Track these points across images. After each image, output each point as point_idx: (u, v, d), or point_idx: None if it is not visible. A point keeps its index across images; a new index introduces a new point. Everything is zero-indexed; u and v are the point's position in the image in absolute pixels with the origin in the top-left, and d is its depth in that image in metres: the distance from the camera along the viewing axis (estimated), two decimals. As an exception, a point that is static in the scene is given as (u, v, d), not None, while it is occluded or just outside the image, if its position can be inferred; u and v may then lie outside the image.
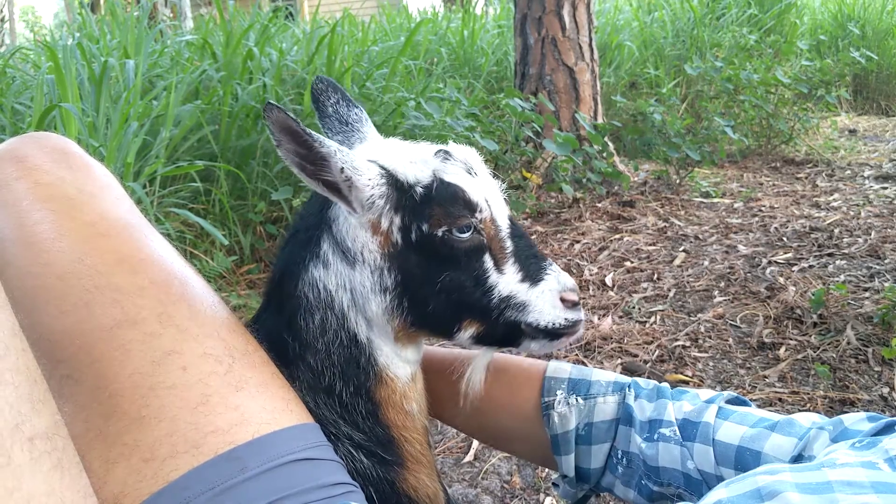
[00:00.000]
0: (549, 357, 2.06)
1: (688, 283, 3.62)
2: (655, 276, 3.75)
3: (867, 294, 3.25)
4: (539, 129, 5.06)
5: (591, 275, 3.79)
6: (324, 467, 0.99)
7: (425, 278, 1.13)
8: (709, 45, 7.80)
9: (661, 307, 3.37)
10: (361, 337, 1.15)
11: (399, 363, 1.19)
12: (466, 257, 1.13)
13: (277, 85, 4.60)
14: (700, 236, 4.34)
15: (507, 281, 1.15)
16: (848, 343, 2.83)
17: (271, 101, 1.06)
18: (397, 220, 1.12)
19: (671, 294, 3.50)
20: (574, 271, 3.86)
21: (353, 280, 1.14)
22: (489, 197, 1.15)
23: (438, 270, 1.13)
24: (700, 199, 5.14)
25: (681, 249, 4.12)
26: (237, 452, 0.92)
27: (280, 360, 1.15)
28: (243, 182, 4.16)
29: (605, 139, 5.14)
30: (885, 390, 2.55)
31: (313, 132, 1.07)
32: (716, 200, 5.10)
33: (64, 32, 7.26)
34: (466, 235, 1.11)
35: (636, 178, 5.58)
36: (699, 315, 3.25)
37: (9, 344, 0.73)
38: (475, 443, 2.45)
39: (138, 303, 1.00)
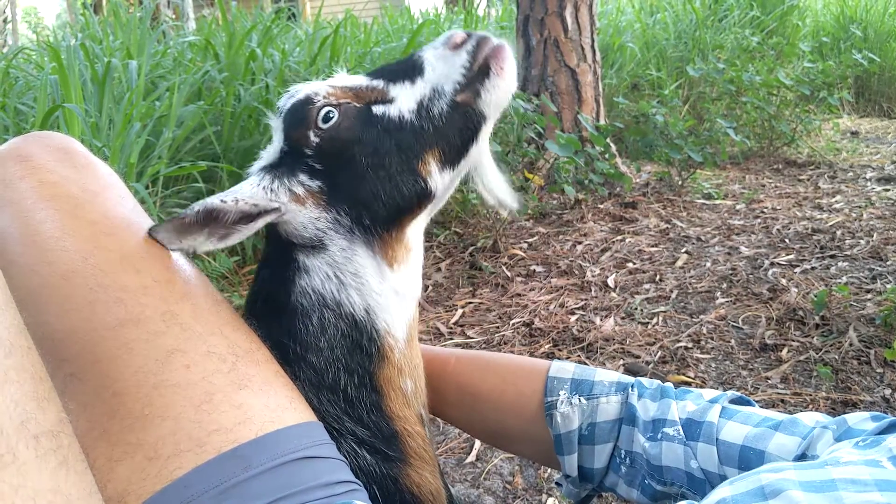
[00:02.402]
0: (552, 357, 2.06)
1: (690, 284, 3.62)
2: (657, 277, 3.75)
3: (869, 296, 3.25)
4: (541, 131, 5.06)
5: (593, 276, 3.79)
6: (327, 465, 0.99)
7: (357, 178, 1.09)
8: (711, 46, 7.79)
9: (663, 308, 3.37)
10: (360, 314, 1.15)
11: (398, 307, 1.16)
12: (358, 128, 1.08)
13: (280, 86, 4.60)
14: (702, 238, 4.34)
15: (403, 98, 1.09)
16: (850, 344, 2.83)
17: (151, 228, 1.09)
18: (302, 176, 1.12)
19: (673, 295, 3.50)
20: (576, 272, 3.86)
21: (331, 260, 1.14)
22: (327, 81, 1.13)
23: (357, 161, 1.09)
24: (702, 201, 5.14)
25: (683, 251, 4.12)
26: (241, 451, 0.92)
27: (279, 361, 1.15)
28: (246, 183, 4.16)
29: (608, 140, 5.14)
30: (888, 392, 2.55)
31: (193, 207, 1.09)
32: (718, 202, 5.10)
33: (67, 33, 7.27)
34: (335, 118, 1.08)
35: (638, 180, 5.58)
36: (701, 316, 3.25)
37: (14, 342, 0.73)
38: (477, 443, 2.45)
39: (142, 301, 1.00)
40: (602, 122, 5.58)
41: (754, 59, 7.17)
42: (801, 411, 1.18)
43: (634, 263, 3.97)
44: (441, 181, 1.11)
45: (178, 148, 4.03)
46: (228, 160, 4.14)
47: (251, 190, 1.13)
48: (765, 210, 4.81)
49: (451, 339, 3.22)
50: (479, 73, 1.06)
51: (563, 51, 5.45)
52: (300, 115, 1.10)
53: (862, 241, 3.98)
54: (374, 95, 1.10)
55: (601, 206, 4.96)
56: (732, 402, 1.16)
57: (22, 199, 1.09)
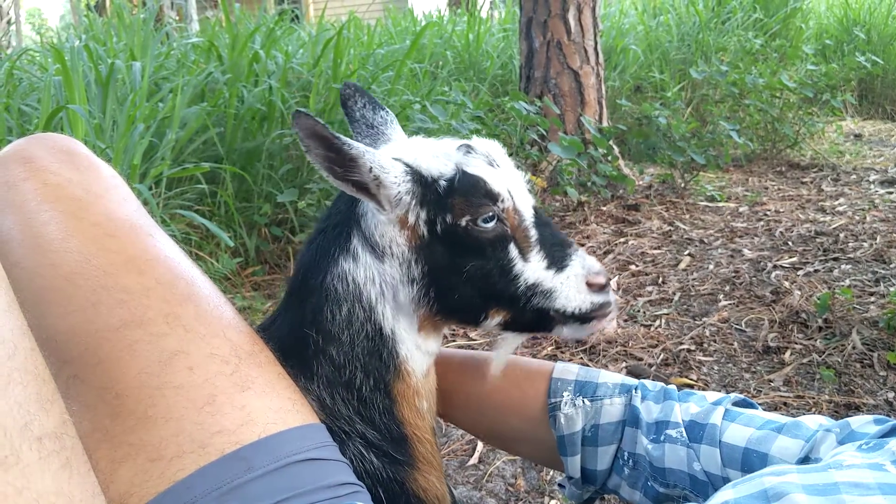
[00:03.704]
0: (556, 357, 2.06)
1: (693, 286, 3.61)
2: (660, 279, 3.74)
3: (873, 298, 3.25)
4: (544, 133, 5.06)
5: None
6: (330, 467, 0.99)
7: (452, 268, 1.16)
8: (714, 49, 7.79)
9: (665, 311, 3.36)
10: (387, 329, 1.18)
11: (418, 356, 1.22)
12: (491, 247, 1.15)
13: (283, 87, 4.60)
14: (705, 240, 4.33)
15: (532, 269, 1.16)
16: (853, 347, 2.83)
17: (300, 109, 1.11)
18: (423, 215, 1.15)
19: (676, 298, 3.49)
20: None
21: (381, 273, 1.17)
22: (511, 187, 1.18)
23: (464, 260, 1.15)
24: (705, 203, 5.14)
25: (686, 253, 4.11)
26: (243, 452, 0.92)
27: (298, 356, 1.16)
28: (249, 184, 4.17)
29: (610, 142, 5.14)
30: (891, 395, 2.54)
31: (341, 136, 1.10)
32: (721, 204, 5.09)
33: (70, 34, 7.29)
34: (490, 226, 1.14)
35: (641, 182, 5.58)
36: (704, 319, 3.25)
37: (17, 344, 0.73)
38: (480, 445, 2.45)
39: (145, 303, 1.00)
40: (605, 124, 5.58)
41: (757, 62, 7.16)
42: (804, 414, 1.18)
43: (637, 265, 3.97)
44: (491, 327, 1.23)
45: (182, 149, 4.03)
46: (231, 161, 4.14)
47: (391, 181, 1.14)
48: (768, 212, 4.81)
49: (454, 340, 3.22)
50: (577, 317, 1.17)
51: (566, 53, 5.44)
52: (474, 199, 1.14)
53: (865, 244, 3.97)
54: (522, 239, 1.18)
55: (604, 209, 4.95)
56: (736, 404, 1.16)
57: (25, 200, 1.09)
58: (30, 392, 0.71)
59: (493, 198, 1.14)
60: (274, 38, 5.48)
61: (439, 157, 1.18)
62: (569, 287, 1.16)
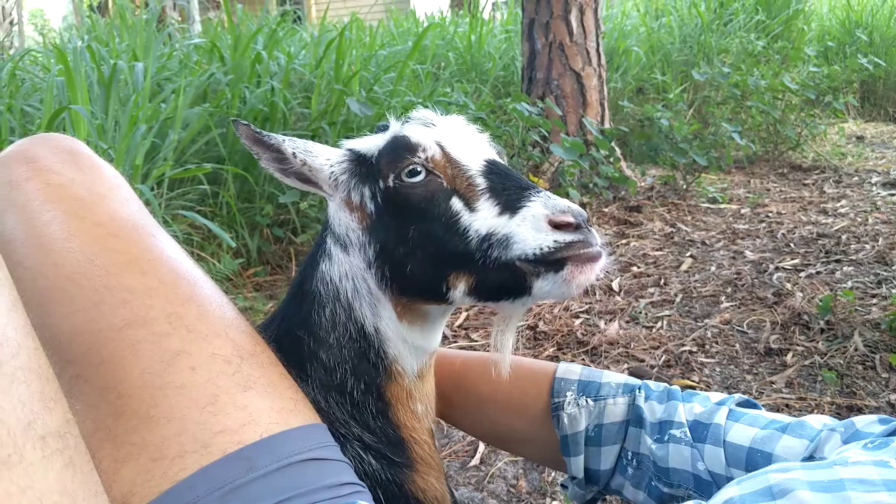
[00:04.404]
0: (558, 359, 2.06)
1: (695, 288, 3.61)
2: (662, 281, 3.74)
3: (875, 300, 3.24)
4: (546, 134, 5.07)
5: (597, 279, 3.77)
6: (332, 467, 0.99)
7: (398, 239, 1.09)
8: (716, 50, 7.79)
9: (667, 312, 3.36)
10: (369, 328, 1.15)
11: (406, 353, 1.17)
12: (428, 203, 1.07)
13: (285, 88, 4.61)
14: (707, 242, 4.33)
15: (482, 217, 1.04)
16: (855, 349, 2.82)
17: (236, 119, 1.14)
18: (367, 192, 1.13)
19: (678, 299, 3.49)
20: (580, 276, 3.85)
21: (350, 266, 1.15)
22: (442, 139, 1.11)
23: (406, 226, 1.08)
24: (707, 205, 5.13)
25: (688, 255, 4.11)
26: (245, 452, 0.92)
27: (295, 358, 1.16)
28: (251, 185, 4.17)
29: (612, 144, 5.14)
30: (893, 397, 2.54)
31: (267, 132, 1.14)
32: (723, 206, 5.09)
33: (73, 35, 7.29)
34: (417, 179, 1.07)
35: (643, 183, 5.58)
36: (706, 320, 3.25)
37: (21, 343, 0.73)
38: (481, 446, 2.45)
39: (147, 303, 1.00)
40: (607, 125, 5.58)
41: (759, 64, 7.16)
42: (807, 415, 1.17)
43: (639, 267, 3.96)
44: (460, 299, 1.09)
45: (184, 150, 4.04)
46: (233, 162, 4.14)
47: (321, 163, 1.15)
48: (770, 214, 4.81)
49: (455, 342, 3.21)
50: (551, 263, 1.00)
51: (568, 54, 5.45)
52: (394, 155, 1.09)
53: (867, 246, 3.97)
54: (465, 189, 1.07)
55: (606, 210, 4.95)
56: (740, 404, 1.16)
57: (28, 200, 1.09)
58: (33, 391, 0.71)
59: (411, 150, 1.08)
60: (276, 39, 5.48)
61: (382, 136, 1.17)
62: (525, 228, 1.00)
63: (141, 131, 3.49)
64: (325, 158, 1.15)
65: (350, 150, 1.17)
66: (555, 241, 0.99)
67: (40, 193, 1.10)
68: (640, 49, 7.80)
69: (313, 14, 16.21)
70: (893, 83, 8.80)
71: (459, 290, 1.07)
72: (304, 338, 1.17)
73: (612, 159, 5.11)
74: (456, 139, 1.12)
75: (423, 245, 1.07)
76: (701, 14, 8.20)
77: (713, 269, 3.85)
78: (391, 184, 1.08)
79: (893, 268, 3.63)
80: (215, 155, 4.24)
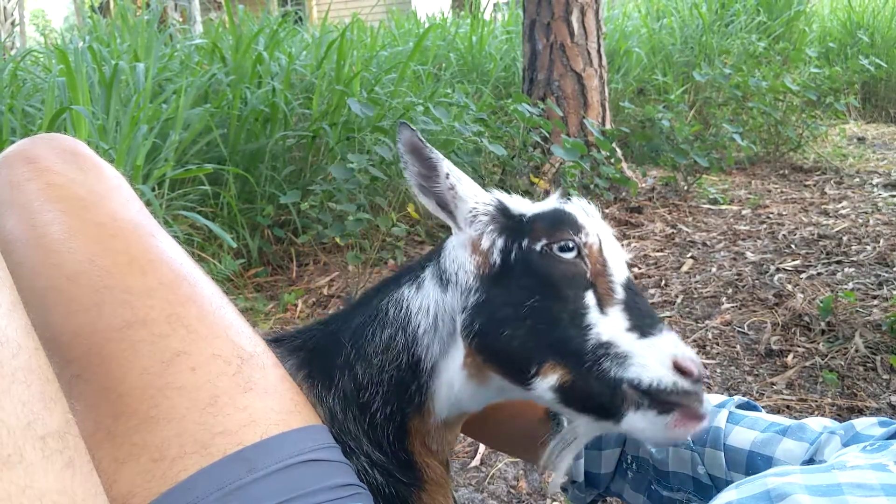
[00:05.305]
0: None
1: (695, 289, 3.61)
2: (663, 282, 3.74)
3: (875, 302, 3.24)
4: (547, 135, 5.07)
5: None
6: (332, 469, 0.99)
7: (511, 300, 1.03)
8: (717, 51, 7.79)
9: (668, 313, 3.36)
10: (426, 363, 1.11)
11: (446, 399, 1.12)
12: (565, 282, 1.01)
13: (286, 89, 4.61)
14: (708, 243, 4.33)
15: (609, 324, 0.98)
16: (856, 351, 2.82)
17: (405, 122, 1.11)
18: (500, 242, 1.08)
19: (679, 300, 3.49)
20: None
21: (440, 303, 1.11)
22: (601, 233, 1.07)
23: (530, 293, 1.02)
24: (708, 206, 5.13)
25: (688, 256, 4.11)
26: (245, 453, 0.92)
27: (324, 363, 1.15)
28: (252, 185, 4.18)
29: (613, 145, 5.14)
30: (894, 398, 2.54)
31: (429, 145, 1.11)
32: (724, 207, 5.09)
33: (74, 36, 7.30)
34: (568, 256, 1.02)
35: (644, 184, 5.58)
36: (707, 321, 3.25)
37: (21, 343, 0.73)
38: (482, 447, 2.44)
39: (148, 303, 1.00)
40: (608, 126, 5.58)
41: (761, 65, 7.16)
42: (807, 417, 1.17)
43: (640, 268, 3.96)
44: (543, 391, 1.00)
45: (185, 150, 4.04)
46: (234, 163, 4.15)
47: (467, 195, 1.13)
48: (771, 215, 4.80)
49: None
50: (659, 402, 0.94)
51: (570, 55, 5.45)
52: (556, 224, 1.05)
53: (868, 247, 3.97)
54: (604, 290, 1.02)
55: (607, 211, 4.95)
56: (740, 407, 1.15)
57: (29, 200, 1.09)
58: (33, 391, 0.71)
59: (575, 228, 1.04)
60: (277, 40, 5.49)
61: (526, 203, 1.15)
62: (650, 355, 0.95)
63: (142, 132, 3.49)
64: (473, 193, 1.13)
65: (500, 199, 1.15)
66: (675, 383, 0.93)
67: (41, 194, 1.10)
68: (641, 50, 7.80)
69: (314, 15, 16.22)
70: (895, 84, 8.80)
71: (548, 381, 0.99)
72: (347, 347, 1.15)
73: (613, 160, 5.11)
74: (610, 240, 1.09)
75: (536, 319, 1.01)
76: (702, 15, 8.20)
77: (714, 270, 3.85)
78: (539, 247, 1.04)
79: (894, 269, 3.63)
80: (216, 155, 4.24)
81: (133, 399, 0.93)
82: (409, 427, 1.15)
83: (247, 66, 4.76)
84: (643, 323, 0.98)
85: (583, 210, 1.11)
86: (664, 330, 0.98)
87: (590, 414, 0.99)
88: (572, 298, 1.01)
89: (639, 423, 0.94)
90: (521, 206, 1.14)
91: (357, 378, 1.14)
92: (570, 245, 1.03)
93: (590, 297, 1.01)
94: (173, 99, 4.18)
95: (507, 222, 1.10)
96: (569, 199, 1.13)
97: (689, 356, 0.95)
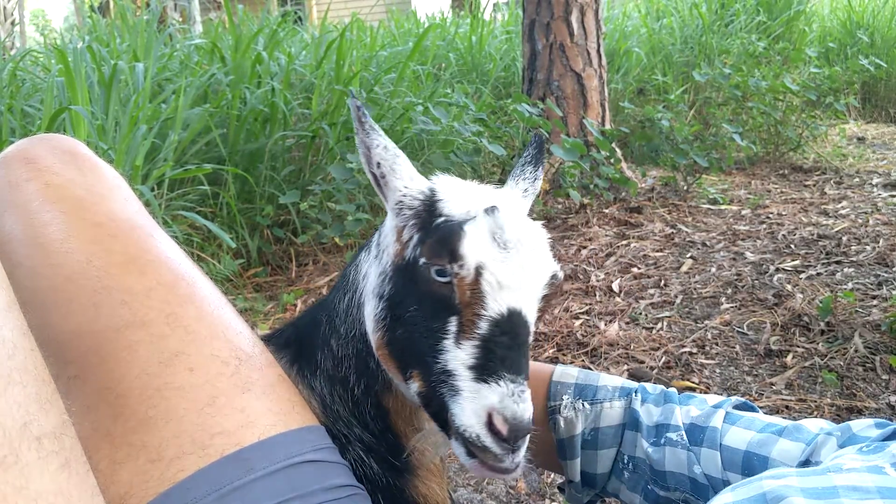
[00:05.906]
0: (555, 361, 2.05)
1: (695, 289, 3.61)
2: (662, 282, 3.74)
3: (875, 302, 3.24)
4: (546, 135, 5.06)
5: (597, 280, 3.78)
6: (330, 469, 0.99)
7: (404, 303, 1.05)
8: (717, 51, 7.79)
9: (667, 313, 3.36)
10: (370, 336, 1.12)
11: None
12: (433, 301, 1.02)
13: (286, 89, 4.61)
14: (707, 243, 4.33)
15: (456, 357, 0.98)
16: (856, 351, 2.82)
17: (353, 97, 1.11)
18: (415, 238, 1.07)
19: (678, 300, 3.49)
20: (581, 277, 3.85)
21: (371, 271, 1.13)
22: (488, 263, 1.00)
23: (412, 301, 1.04)
24: (708, 206, 5.13)
25: (688, 256, 4.11)
26: (243, 454, 0.92)
27: (309, 346, 1.16)
28: (251, 185, 4.17)
29: (613, 145, 5.13)
30: (893, 398, 2.54)
31: (374, 124, 1.10)
32: (723, 207, 5.09)
33: (74, 36, 7.30)
34: (441, 279, 1.01)
35: (643, 185, 5.58)
36: (706, 322, 3.24)
37: (17, 344, 0.73)
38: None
39: (146, 304, 1.00)
40: (607, 126, 5.58)
41: (760, 65, 7.16)
42: (806, 417, 1.17)
43: (639, 268, 3.96)
44: (412, 391, 1.06)
45: (184, 150, 4.04)
46: (234, 163, 4.15)
47: (397, 194, 1.11)
48: (770, 215, 4.80)
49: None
50: (462, 438, 0.96)
51: (569, 55, 5.44)
52: (439, 246, 1.02)
53: (868, 247, 3.96)
54: (466, 322, 1.00)
55: (606, 211, 4.95)
56: (737, 407, 1.15)
57: (28, 200, 1.09)
58: (29, 392, 0.71)
59: (453, 255, 0.99)
60: (277, 40, 5.49)
61: (468, 202, 1.09)
62: (470, 401, 0.95)
63: (141, 132, 3.49)
64: (403, 185, 1.10)
65: (431, 193, 1.11)
66: (478, 437, 0.94)
67: (40, 194, 1.10)
68: (641, 50, 7.79)
69: (314, 15, 16.22)
70: (895, 84, 8.79)
71: (413, 386, 1.04)
72: (323, 322, 1.17)
73: (612, 160, 5.10)
74: (503, 270, 1.00)
75: (411, 327, 1.04)
76: (702, 15, 8.19)
77: (713, 270, 3.85)
78: (422, 262, 1.03)
79: (894, 269, 3.63)
80: (216, 155, 4.24)
81: (131, 399, 0.93)
82: (387, 406, 1.16)
83: (246, 66, 4.76)
84: (488, 366, 0.96)
85: (495, 229, 1.01)
86: (505, 380, 0.95)
87: (436, 423, 1.04)
88: (439, 319, 1.01)
89: (457, 450, 0.99)
90: (452, 201, 1.09)
91: (333, 351, 1.15)
92: (444, 272, 1.01)
93: (452, 324, 1.00)
94: (172, 99, 4.18)
95: (428, 220, 1.08)
96: (493, 211, 1.03)
97: (510, 415, 0.92)
